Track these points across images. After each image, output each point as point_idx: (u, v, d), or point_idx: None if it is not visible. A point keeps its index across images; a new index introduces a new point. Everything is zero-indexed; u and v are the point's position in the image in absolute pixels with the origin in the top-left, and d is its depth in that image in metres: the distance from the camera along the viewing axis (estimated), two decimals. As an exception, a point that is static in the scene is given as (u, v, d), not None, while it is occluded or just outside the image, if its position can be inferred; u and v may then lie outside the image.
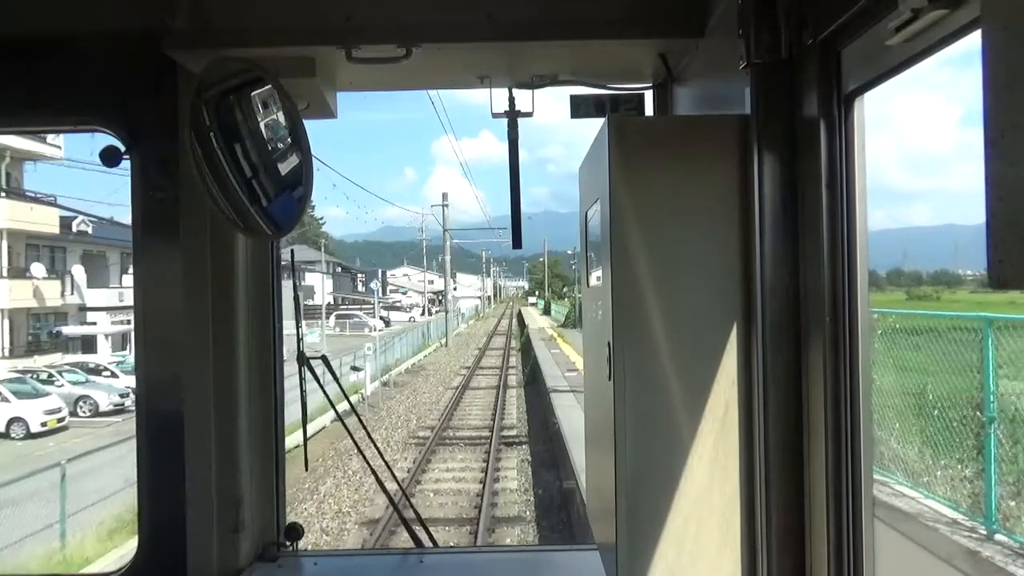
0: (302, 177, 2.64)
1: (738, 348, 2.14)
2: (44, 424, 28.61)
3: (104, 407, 32.60)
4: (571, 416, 20.30)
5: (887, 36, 1.56)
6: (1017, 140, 0.95)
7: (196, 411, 2.86)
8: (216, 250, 2.91)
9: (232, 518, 2.99)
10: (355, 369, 30.18)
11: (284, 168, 2.69)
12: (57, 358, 41.74)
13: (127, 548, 14.47)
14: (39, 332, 46.64)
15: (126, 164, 2.84)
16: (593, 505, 2.73)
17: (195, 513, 2.85)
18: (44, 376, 33.68)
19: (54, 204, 46.35)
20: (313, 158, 2.66)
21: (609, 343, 2.17)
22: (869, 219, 1.87)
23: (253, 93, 2.67)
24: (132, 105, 2.79)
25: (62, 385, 32.86)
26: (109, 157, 2.78)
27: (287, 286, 3.33)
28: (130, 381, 34.31)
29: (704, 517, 2.13)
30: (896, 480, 11.38)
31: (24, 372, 34.16)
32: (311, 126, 2.78)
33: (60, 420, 29.38)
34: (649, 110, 3.19)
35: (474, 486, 19.46)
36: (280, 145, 2.67)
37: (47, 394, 30.48)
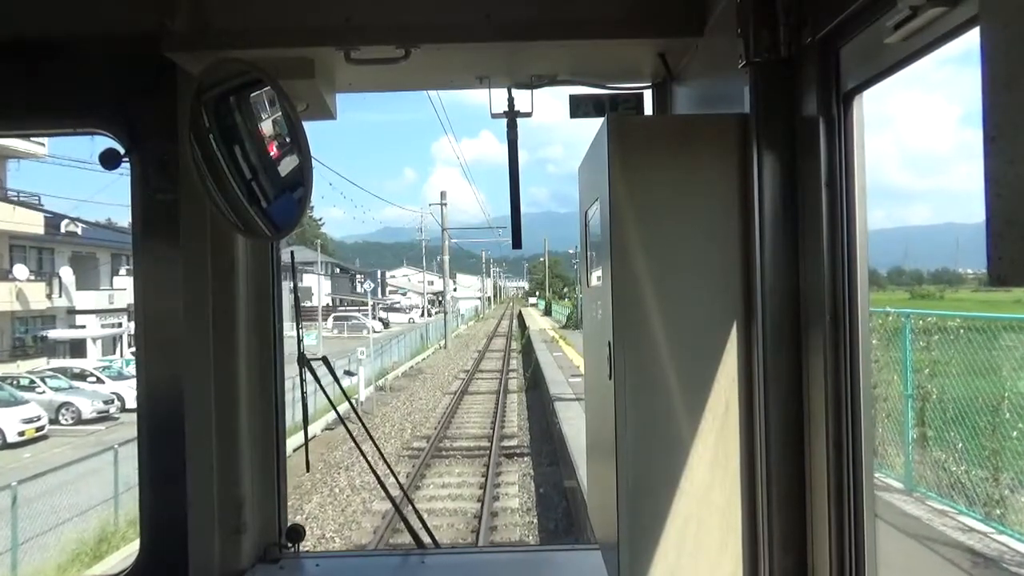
0: (302, 178, 2.64)
1: (738, 347, 2.15)
2: (21, 433, 27.41)
3: (87, 414, 31.54)
4: (579, 435, 17.72)
5: (886, 34, 1.57)
6: (1016, 138, 0.95)
7: (197, 412, 2.86)
8: (216, 251, 2.92)
9: (234, 519, 2.99)
10: (348, 374, 28.90)
11: (284, 169, 2.69)
12: (43, 363, 40.81)
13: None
14: (24, 336, 45.80)
15: (125, 166, 2.85)
16: (594, 505, 2.73)
17: (196, 514, 2.85)
18: (25, 382, 32.57)
19: (38, 206, 45.77)
20: (312, 159, 2.66)
21: (609, 342, 2.17)
22: (869, 218, 1.87)
23: (252, 95, 2.67)
24: (131, 107, 2.79)
25: (43, 392, 31.74)
26: (109, 159, 2.78)
27: (287, 287, 3.34)
28: (116, 387, 33.60)
29: (705, 516, 2.14)
30: (959, 510, 10.21)
31: (1, 378, 32.87)
32: (310, 127, 2.79)
33: (39, 429, 28.23)
34: (648, 109, 3.19)
35: (472, 505, 18.24)
36: (287, 140, 2.67)
37: (25, 401, 29.31)
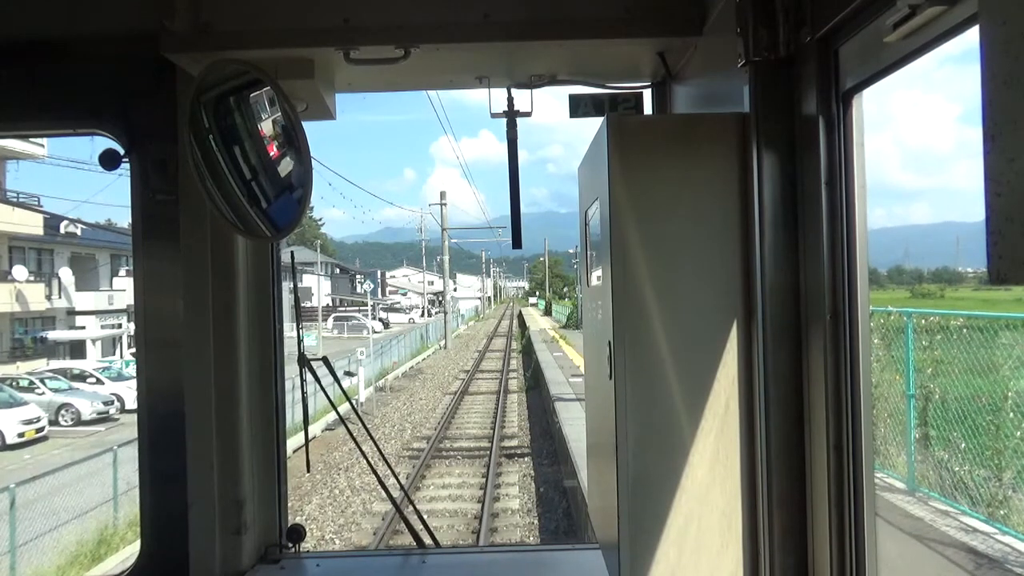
0: (302, 179, 2.64)
1: (739, 346, 2.14)
2: (21, 435, 27.24)
3: (87, 415, 31.41)
4: (580, 435, 16.57)
5: (885, 33, 1.57)
6: (1015, 136, 0.95)
7: (198, 413, 2.86)
8: (216, 252, 2.92)
9: (234, 520, 2.99)
10: (348, 375, 28.68)
11: (283, 170, 2.69)
12: (42, 364, 40.57)
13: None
14: (24, 337, 45.62)
15: (125, 166, 2.85)
16: (595, 504, 2.73)
17: (197, 515, 2.85)
18: (24, 383, 32.44)
19: (38, 207, 45.61)
20: (312, 159, 2.66)
21: (610, 342, 2.17)
22: (869, 217, 1.87)
23: (252, 95, 2.67)
24: (131, 108, 2.79)
25: (43, 393, 31.59)
26: (108, 160, 2.78)
27: (287, 287, 3.34)
28: (116, 388, 33.40)
29: (706, 515, 2.14)
30: (962, 510, 10.19)
31: (1, 379, 32.58)
32: (310, 127, 2.79)
33: (39, 430, 28.10)
34: (648, 109, 3.19)
35: (472, 505, 18.03)
36: (287, 140, 2.67)
37: (25, 403, 29.12)
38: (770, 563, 2.04)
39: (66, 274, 48.76)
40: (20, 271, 43.65)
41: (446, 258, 70.03)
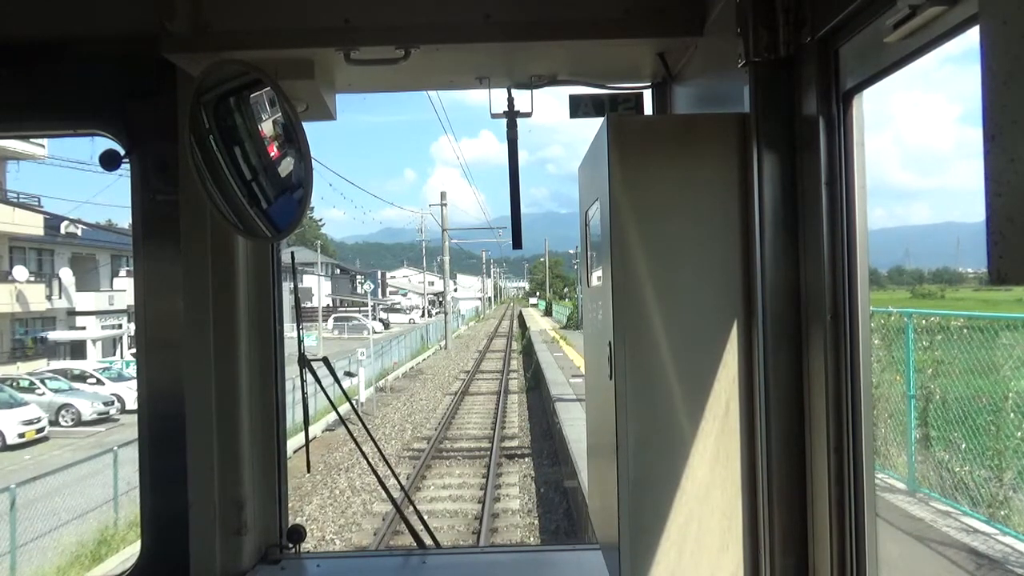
0: (302, 179, 2.64)
1: (739, 346, 2.14)
2: (21, 435, 27.30)
3: (87, 416, 31.49)
4: (580, 435, 16.61)
5: (885, 33, 1.57)
6: (1016, 136, 0.95)
7: (198, 413, 2.86)
8: (217, 252, 2.92)
9: (235, 520, 2.99)
10: (349, 375, 28.63)
11: (283, 170, 2.69)
12: (43, 364, 40.66)
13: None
14: (24, 338, 45.63)
15: (125, 167, 2.85)
16: (595, 505, 2.73)
17: (198, 516, 2.85)
18: (25, 384, 32.52)
19: (38, 208, 45.60)
20: (312, 160, 2.66)
21: (610, 342, 2.17)
22: (869, 217, 1.87)
23: (252, 95, 2.67)
24: (131, 108, 2.80)
25: (43, 393, 31.67)
26: (109, 160, 2.78)
27: (288, 288, 3.34)
28: (116, 388, 33.42)
29: (706, 516, 2.14)
30: (962, 511, 10.21)
31: (1, 380, 32.66)
32: (310, 128, 2.79)
33: (39, 431, 28.17)
34: (648, 109, 3.19)
35: (473, 506, 18.02)
36: (287, 140, 2.67)
37: (25, 403, 29.19)
38: (770, 564, 2.04)
39: (66, 274, 48.76)
40: (20, 271, 43.63)
41: (446, 258, 70.00)
